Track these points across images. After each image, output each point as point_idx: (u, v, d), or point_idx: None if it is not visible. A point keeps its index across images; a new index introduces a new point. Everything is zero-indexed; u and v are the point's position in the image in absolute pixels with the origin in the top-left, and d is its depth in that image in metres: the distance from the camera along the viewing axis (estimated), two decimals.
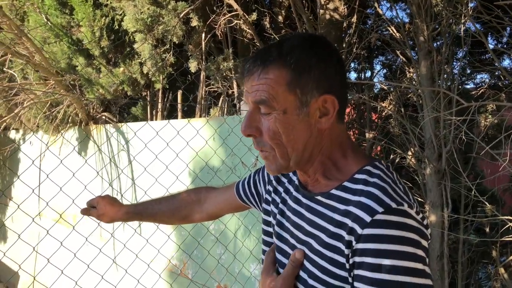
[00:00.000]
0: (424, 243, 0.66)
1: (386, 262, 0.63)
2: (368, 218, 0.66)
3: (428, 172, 2.85)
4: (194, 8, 2.97)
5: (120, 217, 1.26)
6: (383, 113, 3.97)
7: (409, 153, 3.49)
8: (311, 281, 0.73)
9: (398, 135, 3.52)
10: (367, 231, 0.65)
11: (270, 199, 0.94)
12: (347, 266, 0.68)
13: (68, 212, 3.99)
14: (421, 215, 0.69)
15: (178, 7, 2.89)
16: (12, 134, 5.21)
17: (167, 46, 2.85)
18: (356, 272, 0.66)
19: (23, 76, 3.97)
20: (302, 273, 0.76)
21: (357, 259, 0.66)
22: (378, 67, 4.60)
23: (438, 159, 2.80)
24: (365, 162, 0.77)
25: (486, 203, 2.66)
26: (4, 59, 3.48)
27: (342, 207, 0.71)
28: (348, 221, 0.69)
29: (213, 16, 3.00)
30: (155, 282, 2.54)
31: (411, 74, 3.49)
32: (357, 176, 0.74)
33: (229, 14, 2.96)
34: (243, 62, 0.82)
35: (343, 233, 0.69)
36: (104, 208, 1.24)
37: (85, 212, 1.28)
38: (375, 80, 4.22)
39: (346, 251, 0.68)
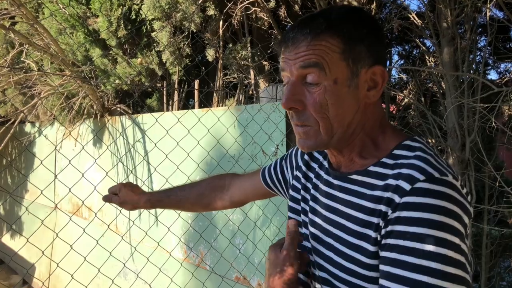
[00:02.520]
0: (466, 219, 0.61)
1: (420, 231, 0.58)
2: (408, 187, 0.62)
3: (451, 162, 2.78)
4: None
5: (142, 204, 1.23)
6: (402, 103, 3.90)
7: (429, 142, 3.42)
8: (348, 264, 0.69)
9: (418, 125, 3.44)
10: (405, 199, 0.61)
11: (299, 185, 0.90)
12: (379, 238, 0.64)
13: (84, 204, 4.01)
14: (465, 189, 0.65)
15: None
16: (28, 128, 5.24)
17: (185, 34, 2.81)
18: (384, 241, 0.62)
19: (39, 68, 3.98)
20: (336, 257, 0.72)
21: (389, 228, 0.62)
22: (395, 57, 4.51)
23: (462, 148, 2.73)
24: (403, 138, 0.73)
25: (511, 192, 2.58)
26: (20, 49, 3.48)
27: (381, 183, 0.67)
28: (387, 194, 0.64)
29: (230, 3, 2.96)
30: (174, 274, 2.52)
31: (431, 63, 3.41)
32: (396, 152, 0.70)
33: (247, 2, 2.91)
34: (284, 32, 0.77)
35: (381, 207, 0.65)
36: (126, 195, 1.22)
37: (107, 199, 1.25)
38: (393, 70, 4.14)
39: (381, 223, 0.64)
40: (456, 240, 0.58)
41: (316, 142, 0.72)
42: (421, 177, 0.61)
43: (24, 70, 3.59)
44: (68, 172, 3.84)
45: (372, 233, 0.65)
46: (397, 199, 0.62)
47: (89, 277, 1.96)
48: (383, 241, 0.62)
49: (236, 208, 1.36)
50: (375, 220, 0.65)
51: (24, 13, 3.01)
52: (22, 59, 3.56)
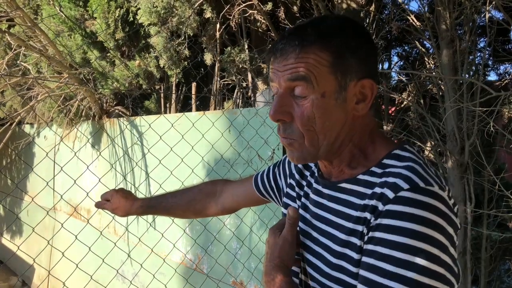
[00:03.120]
0: (451, 230, 0.60)
1: (399, 239, 0.58)
2: (391, 195, 0.62)
3: (450, 166, 2.75)
4: None
5: (135, 210, 1.23)
6: (401, 105, 3.87)
7: (428, 145, 3.39)
8: (334, 273, 0.69)
9: (417, 128, 3.42)
10: (388, 207, 0.61)
11: (293, 194, 0.89)
12: (362, 245, 0.64)
13: (82, 206, 4.01)
14: (452, 200, 0.64)
15: None
16: (27, 129, 5.24)
17: (182, 39, 2.80)
18: (365, 247, 0.63)
19: (37, 70, 3.97)
20: (323, 266, 0.72)
21: (370, 234, 0.62)
22: (395, 59, 4.49)
23: (461, 152, 2.70)
24: (393, 147, 0.72)
25: (511, 197, 2.55)
26: (18, 52, 3.48)
27: (369, 191, 0.67)
28: (372, 202, 0.64)
29: (227, 6, 2.94)
30: (170, 277, 2.51)
31: (431, 65, 3.38)
32: (385, 161, 0.70)
33: (244, 4, 2.89)
34: (273, 42, 0.76)
35: (366, 214, 0.65)
36: (118, 202, 1.22)
37: (99, 205, 1.25)
38: (393, 72, 4.11)
39: (365, 230, 0.64)
40: (435, 251, 0.58)
41: (302, 154, 0.72)
42: (405, 186, 0.61)
43: (21, 72, 3.58)
44: (67, 173, 3.84)
45: (357, 241, 0.65)
46: (380, 206, 0.62)
47: (88, 278, 1.96)
48: (364, 247, 0.63)
49: (228, 214, 1.36)
50: (359, 228, 0.65)
51: (21, 15, 3.00)
52: (19, 61, 3.56)
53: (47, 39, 3.13)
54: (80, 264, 1.83)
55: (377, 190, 0.65)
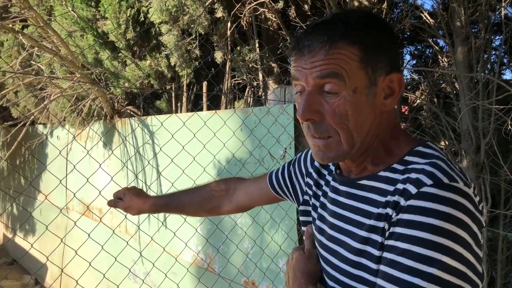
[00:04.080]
0: (475, 228, 0.59)
1: (420, 234, 0.57)
2: (414, 190, 0.60)
3: (465, 165, 2.70)
4: None
5: (147, 209, 1.23)
6: (414, 104, 3.82)
7: (442, 144, 3.34)
8: (354, 271, 0.68)
9: (431, 127, 3.37)
10: (410, 202, 0.60)
11: (311, 192, 0.89)
12: (384, 241, 0.63)
13: (94, 205, 4.03)
14: (478, 198, 0.62)
15: None
16: (40, 129, 5.30)
17: (193, 37, 2.79)
18: (386, 242, 0.62)
19: (50, 71, 4.01)
20: (343, 264, 0.70)
21: (391, 229, 0.61)
22: (407, 57, 4.43)
23: (476, 151, 2.65)
24: (416, 144, 0.71)
25: None
26: (31, 52, 3.52)
27: (391, 188, 0.66)
28: (395, 198, 0.63)
29: (238, 5, 2.93)
30: (182, 277, 2.51)
31: (444, 63, 3.33)
32: (407, 158, 0.68)
33: (255, 3, 2.88)
34: (296, 39, 0.75)
35: (388, 210, 0.63)
36: (130, 200, 1.21)
37: (111, 204, 1.25)
38: (405, 71, 4.06)
39: (386, 226, 0.63)
40: (458, 248, 0.56)
41: (337, 153, 0.70)
42: (429, 182, 0.60)
43: (34, 72, 3.62)
44: (81, 172, 3.86)
45: (378, 238, 0.64)
46: (402, 202, 0.61)
47: (100, 276, 1.96)
48: (385, 242, 0.62)
49: (241, 213, 1.35)
50: (381, 224, 0.64)
51: (34, 16, 3.03)
52: (32, 61, 3.59)
53: (60, 39, 3.16)
54: (92, 263, 1.83)
55: (400, 186, 0.64)
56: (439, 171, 0.61)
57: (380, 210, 0.65)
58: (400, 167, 0.67)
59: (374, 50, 0.67)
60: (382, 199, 0.66)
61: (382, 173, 0.69)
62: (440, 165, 0.63)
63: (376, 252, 0.64)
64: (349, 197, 0.73)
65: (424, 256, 0.56)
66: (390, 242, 0.61)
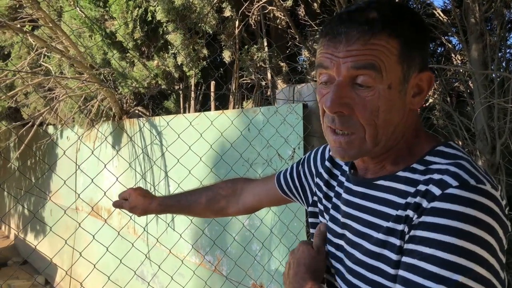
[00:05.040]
0: (501, 233, 0.55)
1: (444, 238, 0.53)
2: (438, 192, 0.57)
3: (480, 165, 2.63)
4: None
5: (153, 209, 1.21)
6: (426, 104, 3.74)
7: None
8: (369, 275, 0.65)
9: (444, 127, 3.29)
10: (433, 204, 0.56)
11: (321, 194, 0.85)
12: (403, 245, 0.59)
13: (102, 206, 4.03)
14: (504, 201, 0.59)
15: None
16: (50, 129, 5.34)
17: (200, 35, 2.77)
18: (405, 246, 0.58)
19: (60, 72, 4.03)
20: (360, 269, 0.67)
21: (411, 233, 0.57)
22: None
23: (492, 151, 2.57)
24: (437, 143, 0.67)
25: None
26: (40, 53, 3.53)
27: (411, 189, 0.62)
28: (416, 199, 0.59)
29: (246, 3, 2.89)
30: (189, 279, 2.48)
31: (458, 61, 3.25)
32: (428, 158, 0.64)
33: (263, 1, 2.84)
34: (329, 24, 0.68)
35: (408, 212, 0.60)
36: (136, 201, 1.19)
37: (117, 205, 1.24)
38: None
39: (406, 229, 0.59)
40: (485, 254, 0.53)
41: (360, 151, 0.67)
42: (454, 183, 0.57)
43: (43, 73, 3.64)
44: (88, 173, 3.87)
45: (396, 241, 0.61)
46: (424, 203, 0.58)
47: (108, 277, 1.95)
48: (405, 246, 0.59)
49: (249, 214, 1.32)
50: (400, 226, 0.61)
51: (43, 16, 3.04)
52: (41, 62, 3.61)
53: (68, 40, 3.16)
54: (100, 264, 1.82)
55: (421, 187, 0.60)
56: (464, 172, 0.58)
57: (400, 212, 0.62)
58: (421, 167, 0.64)
59: (412, 45, 0.64)
60: (401, 200, 0.63)
61: (401, 173, 0.66)
62: (464, 165, 0.59)
63: (393, 256, 0.61)
64: (364, 198, 0.70)
65: (450, 262, 0.53)
66: (411, 246, 0.57)
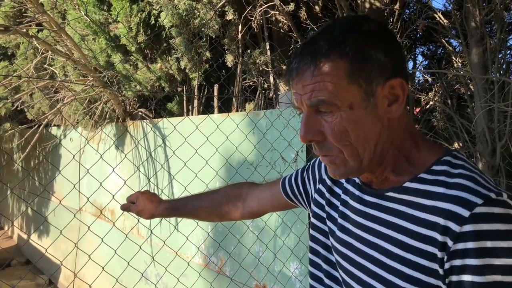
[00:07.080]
0: None
1: (497, 262, 0.54)
2: (466, 213, 0.57)
3: (480, 168, 2.66)
4: (229, 0, 2.91)
5: (160, 213, 1.23)
6: (427, 106, 3.77)
7: (455, 146, 3.29)
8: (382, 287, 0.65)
9: (444, 129, 3.32)
10: (467, 227, 0.56)
11: (323, 201, 0.86)
12: (441, 272, 0.59)
13: (107, 207, 4.07)
14: None
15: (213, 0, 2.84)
16: (54, 131, 5.37)
17: (203, 40, 2.80)
18: (456, 278, 0.57)
19: (64, 74, 4.06)
20: (373, 281, 0.67)
21: (458, 262, 0.57)
22: (420, 58, 4.38)
23: (492, 154, 2.60)
24: (442, 152, 0.68)
25: None
26: (45, 56, 3.56)
27: (423, 201, 0.63)
28: (439, 220, 0.60)
29: (249, 8, 2.92)
30: (195, 281, 2.51)
31: (458, 64, 3.28)
32: (435, 167, 0.65)
33: (266, 5, 2.87)
34: (288, 62, 0.73)
35: (434, 234, 0.60)
36: (143, 204, 1.21)
37: (124, 208, 1.26)
38: (417, 72, 4.01)
39: (440, 255, 0.59)
40: None
41: (346, 170, 0.69)
42: (478, 201, 0.57)
43: (48, 76, 3.67)
44: (93, 174, 3.90)
45: (422, 261, 0.61)
46: (453, 227, 0.57)
47: (113, 280, 1.98)
48: (453, 278, 0.57)
49: (254, 219, 1.33)
50: (427, 247, 0.60)
51: (48, 20, 3.07)
52: (46, 65, 3.64)
53: (73, 43, 3.20)
54: (105, 266, 1.85)
55: (441, 204, 0.60)
56: (480, 187, 0.59)
57: (420, 230, 0.62)
58: (429, 177, 0.65)
59: (364, 59, 0.63)
60: (417, 214, 0.63)
61: (408, 184, 0.67)
62: (477, 179, 0.60)
63: (424, 277, 0.61)
64: (378, 209, 0.70)
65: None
66: (464, 277, 0.56)
